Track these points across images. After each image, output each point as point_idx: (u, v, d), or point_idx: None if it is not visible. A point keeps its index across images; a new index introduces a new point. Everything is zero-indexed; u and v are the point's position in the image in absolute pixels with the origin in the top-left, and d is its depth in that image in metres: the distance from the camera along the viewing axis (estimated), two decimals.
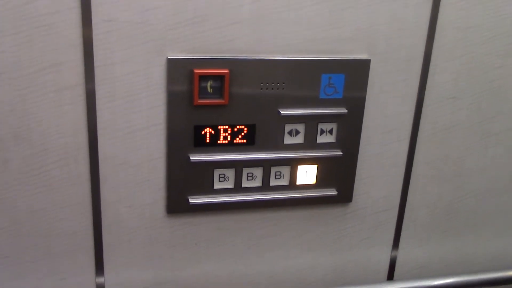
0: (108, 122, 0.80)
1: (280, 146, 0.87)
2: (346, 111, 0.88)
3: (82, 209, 0.84)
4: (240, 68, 0.81)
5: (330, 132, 0.89)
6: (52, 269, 0.87)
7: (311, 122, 0.87)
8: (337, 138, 0.89)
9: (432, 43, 0.89)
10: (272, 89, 0.83)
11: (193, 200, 0.87)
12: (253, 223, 0.93)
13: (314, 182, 0.91)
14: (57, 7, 0.72)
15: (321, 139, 0.89)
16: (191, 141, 0.83)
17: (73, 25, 0.74)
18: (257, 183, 0.89)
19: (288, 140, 0.87)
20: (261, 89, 0.83)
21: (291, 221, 0.95)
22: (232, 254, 0.94)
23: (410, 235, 1.03)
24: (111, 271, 0.89)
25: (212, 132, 0.83)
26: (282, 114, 0.85)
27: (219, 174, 0.87)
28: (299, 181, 0.91)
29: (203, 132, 0.83)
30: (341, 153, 0.90)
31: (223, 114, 0.83)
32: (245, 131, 0.85)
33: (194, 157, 0.84)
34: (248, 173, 0.88)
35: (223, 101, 0.81)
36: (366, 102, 0.89)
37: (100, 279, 0.89)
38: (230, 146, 0.85)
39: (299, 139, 0.88)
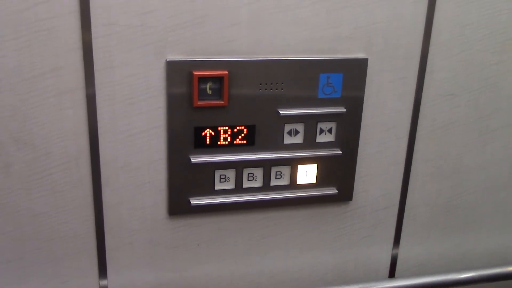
0: (109, 125, 0.80)
1: (280, 146, 0.88)
2: (345, 110, 0.88)
3: (84, 212, 0.84)
4: (239, 69, 0.81)
5: (330, 131, 0.89)
6: (55, 272, 0.87)
7: (310, 122, 0.88)
8: (337, 137, 0.90)
9: (429, 41, 0.89)
10: (271, 89, 0.84)
11: (195, 201, 0.87)
12: (254, 223, 0.93)
13: (314, 182, 0.92)
14: (57, 12, 0.73)
15: (320, 138, 0.89)
16: (191, 142, 0.84)
17: (73, 29, 0.74)
18: (258, 183, 0.90)
19: (287, 140, 0.88)
20: (260, 89, 0.84)
21: (292, 221, 0.95)
22: (233, 254, 0.95)
23: (410, 232, 1.04)
24: (113, 273, 0.89)
25: (212, 133, 0.84)
26: (281, 114, 0.85)
27: (220, 175, 0.87)
28: (299, 181, 0.91)
29: (203, 134, 0.84)
30: (341, 152, 0.91)
31: (223, 115, 0.83)
32: (245, 132, 0.85)
33: (194, 159, 0.84)
34: (248, 174, 0.88)
35: (222, 102, 0.82)
36: (365, 100, 0.90)
37: (103, 282, 0.89)
38: (230, 147, 0.86)
39: (298, 139, 0.89)
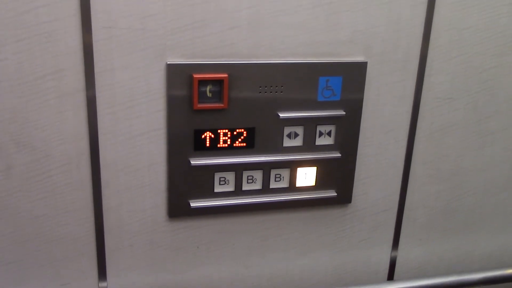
0: (109, 127, 0.81)
1: (279, 148, 0.88)
2: (344, 113, 0.88)
3: (84, 214, 0.85)
4: (239, 72, 0.82)
5: (329, 134, 0.90)
6: (55, 274, 0.87)
7: (309, 125, 0.88)
8: (336, 140, 0.90)
9: (428, 44, 0.90)
10: (271, 92, 0.84)
11: (194, 203, 0.87)
12: (253, 225, 0.94)
13: (314, 184, 0.92)
14: (57, 15, 0.73)
15: (319, 141, 0.90)
16: (191, 145, 0.84)
17: (74, 32, 0.75)
18: (257, 185, 0.90)
19: (287, 142, 0.88)
20: (260, 92, 0.84)
21: (291, 223, 0.96)
22: (233, 257, 0.95)
23: (409, 234, 1.04)
24: (113, 275, 0.90)
25: (212, 136, 0.84)
26: (281, 117, 0.86)
27: (220, 178, 0.88)
28: (298, 183, 0.92)
29: (203, 136, 0.84)
30: (340, 155, 0.91)
31: (223, 118, 0.84)
32: (244, 135, 0.86)
33: (194, 161, 0.85)
34: (248, 176, 0.89)
35: (222, 105, 0.82)
36: (364, 103, 0.90)
37: (103, 284, 0.90)
38: (230, 150, 0.86)
39: (298, 142, 0.89)
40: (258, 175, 0.89)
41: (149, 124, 0.82)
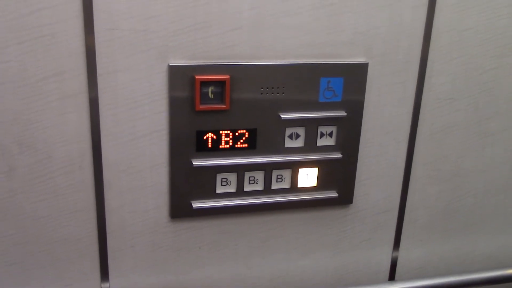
0: (111, 129, 0.81)
1: (281, 149, 0.89)
2: (345, 114, 0.89)
3: (87, 215, 0.85)
4: (241, 73, 0.82)
5: (330, 135, 0.90)
6: (57, 275, 0.87)
7: (311, 126, 0.88)
8: (337, 140, 0.91)
9: (429, 45, 0.90)
10: (272, 93, 0.85)
11: (196, 204, 0.88)
12: (255, 226, 0.94)
13: (315, 185, 0.93)
14: (60, 17, 0.74)
15: (321, 142, 0.90)
16: (193, 146, 0.84)
17: (76, 34, 0.75)
18: (259, 186, 0.90)
19: (288, 143, 0.89)
20: (262, 94, 0.84)
21: (293, 224, 0.96)
22: (235, 257, 0.95)
23: (410, 235, 1.04)
24: (116, 276, 0.90)
25: (214, 137, 0.85)
26: (282, 118, 0.86)
27: (222, 179, 0.88)
28: (300, 184, 0.92)
29: (205, 137, 0.84)
30: (341, 156, 0.91)
31: (225, 119, 0.84)
32: (246, 136, 0.86)
33: (196, 162, 0.85)
34: (250, 177, 0.89)
35: (224, 106, 0.83)
36: (365, 104, 0.90)
37: (105, 284, 0.90)
38: (232, 151, 0.86)
39: (299, 143, 0.89)
40: (259, 176, 0.89)
41: (152, 125, 0.82)
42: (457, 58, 0.93)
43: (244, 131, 0.86)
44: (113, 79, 0.78)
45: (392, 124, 0.94)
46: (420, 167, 0.99)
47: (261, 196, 0.91)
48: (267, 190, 0.91)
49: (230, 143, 0.86)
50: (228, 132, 0.85)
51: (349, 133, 0.91)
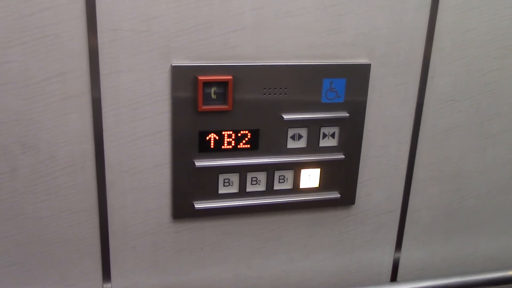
0: (114, 129, 0.81)
1: (283, 150, 0.89)
2: (348, 115, 0.89)
3: (89, 215, 0.85)
4: (243, 74, 0.82)
5: (332, 136, 0.90)
6: (59, 275, 0.87)
7: (313, 126, 0.88)
8: (339, 141, 0.91)
9: (431, 46, 0.90)
10: (275, 94, 0.85)
11: (198, 205, 0.88)
12: (257, 226, 0.94)
13: (317, 186, 0.93)
14: (63, 17, 0.74)
15: (323, 143, 0.90)
16: (195, 146, 0.84)
17: (79, 35, 0.75)
18: (261, 187, 0.90)
19: (291, 144, 0.89)
20: (264, 94, 0.84)
21: (295, 225, 0.96)
22: (237, 258, 0.95)
23: (412, 236, 1.04)
24: (118, 276, 0.90)
25: (217, 137, 0.85)
26: (285, 119, 0.86)
27: (224, 179, 0.88)
28: (302, 185, 0.92)
29: (207, 138, 0.84)
30: (343, 157, 0.91)
31: (227, 120, 0.84)
32: (248, 136, 0.86)
33: (199, 163, 0.85)
34: (252, 178, 0.89)
35: (227, 107, 0.83)
36: (367, 105, 0.90)
37: (107, 285, 0.90)
38: (234, 151, 0.86)
39: (302, 143, 0.89)
40: (262, 176, 0.89)
41: (154, 126, 0.82)
42: (459, 59, 0.93)
43: (247, 131, 0.86)
44: (115, 80, 0.78)
45: (394, 125, 0.94)
46: (422, 168, 0.99)
47: (263, 197, 0.91)
48: (269, 190, 0.91)
49: (233, 144, 0.86)
50: (231, 132, 0.85)
51: (352, 134, 0.91)
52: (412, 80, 0.92)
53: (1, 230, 0.82)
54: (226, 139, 0.85)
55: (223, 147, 0.85)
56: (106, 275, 0.89)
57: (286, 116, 0.86)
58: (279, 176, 0.90)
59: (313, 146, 0.90)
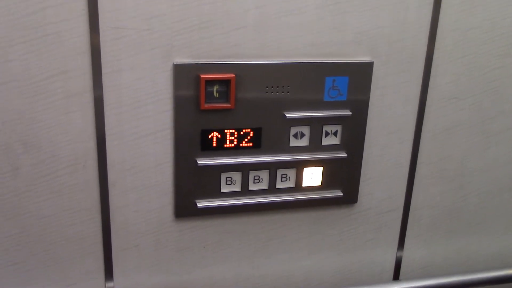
0: (116, 128, 0.81)
1: (285, 148, 0.88)
2: (350, 113, 0.89)
3: (91, 214, 0.85)
4: (246, 72, 0.82)
5: (335, 134, 0.90)
6: (61, 274, 0.87)
7: (316, 125, 0.88)
8: (342, 140, 0.90)
9: (434, 45, 0.90)
10: (277, 92, 0.84)
11: (201, 203, 0.87)
12: (260, 225, 0.94)
13: (320, 184, 0.92)
14: (65, 15, 0.73)
15: (326, 141, 0.90)
16: (198, 145, 0.84)
17: (81, 33, 0.75)
18: (264, 185, 0.90)
19: (293, 142, 0.89)
20: (267, 93, 0.84)
21: (297, 223, 0.96)
22: (239, 257, 0.95)
23: (414, 235, 1.04)
24: (120, 275, 0.90)
25: (219, 136, 0.84)
26: (287, 117, 0.86)
27: (226, 178, 0.88)
28: (305, 183, 0.92)
29: (210, 136, 0.84)
30: (346, 155, 0.91)
31: (230, 118, 0.84)
32: (251, 135, 0.86)
33: (201, 161, 0.85)
34: (254, 176, 0.89)
35: (229, 105, 0.82)
36: (370, 104, 0.90)
37: (110, 284, 0.90)
38: (237, 150, 0.86)
39: (304, 142, 0.89)
40: (264, 175, 0.89)
41: (156, 124, 0.82)
42: (462, 57, 0.92)
43: (249, 130, 0.85)
44: (117, 78, 0.78)
45: (397, 123, 0.93)
46: (424, 166, 0.99)
47: (266, 195, 0.91)
48: (272, 189, 0.91)
49: (235, 142, 0.85)
50: (233, 131, 0.85)
51: (354, 132, 0.91)
52: (414, 78, 0.91)
53: (2, 229, 0.82)
54: (228, 138, 0.85)
55: (225, 145, 0.85)
56: (108, 274, 0.89)
57: (288, 115, 0.86)
58: (282, 174, 0.90)
59: (315, 145, 0.90)
